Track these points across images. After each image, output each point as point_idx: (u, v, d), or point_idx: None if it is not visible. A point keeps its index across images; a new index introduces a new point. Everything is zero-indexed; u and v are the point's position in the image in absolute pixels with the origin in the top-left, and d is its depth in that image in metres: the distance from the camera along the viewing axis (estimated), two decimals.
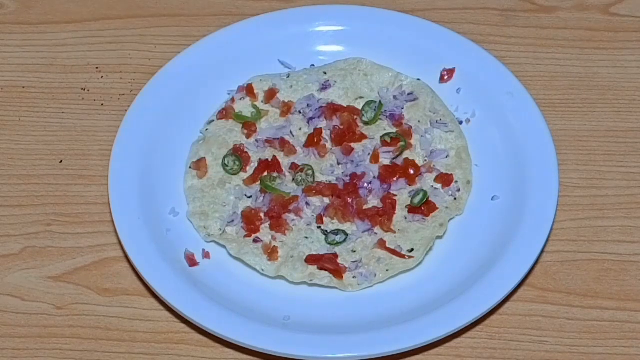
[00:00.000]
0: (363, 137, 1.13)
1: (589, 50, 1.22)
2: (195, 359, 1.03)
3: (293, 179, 1.11)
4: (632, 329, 1.04)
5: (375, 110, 1.14)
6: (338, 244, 1.08)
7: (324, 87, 1.16)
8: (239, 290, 1.05)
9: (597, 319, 1.05)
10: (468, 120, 1.15)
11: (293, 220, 1.09)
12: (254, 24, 1.19)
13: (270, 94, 1.16)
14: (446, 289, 1.04)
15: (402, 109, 1.15)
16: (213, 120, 1.15)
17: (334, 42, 1.20)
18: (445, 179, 1.11)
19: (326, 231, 1.08)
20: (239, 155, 1.12)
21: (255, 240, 1.08)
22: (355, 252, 1.07)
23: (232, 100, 1.16)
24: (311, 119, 1.14)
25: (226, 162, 1.12)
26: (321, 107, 1.15)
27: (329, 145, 1.13)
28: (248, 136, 1.14)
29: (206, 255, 1.08)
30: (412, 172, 1.11)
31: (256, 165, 1.12)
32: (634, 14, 1.24)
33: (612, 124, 1.16)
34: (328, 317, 1.04)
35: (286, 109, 1.15)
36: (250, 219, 1.08)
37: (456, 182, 1.11)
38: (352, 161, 1.11)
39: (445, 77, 1.17)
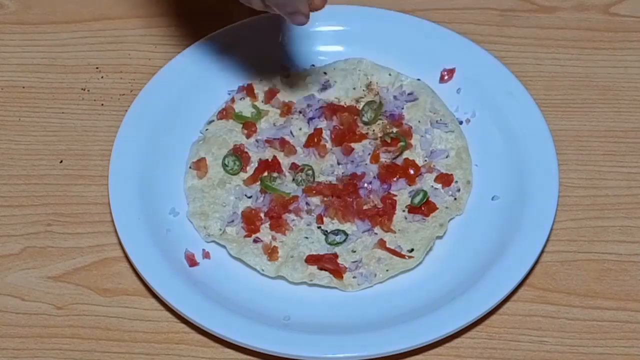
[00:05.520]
0: (363, 137, 1.13)
1: (589, 50, 1.22)
2: (195, 359, 1.03)
3: (293, 179, 1.11)
4: (632, 329, 1.04)
5: (375, 110, 1.14)
6: (338, 244, 1.08)
7: (324, 87, 1.16)
8: (239, 290, 1.05)
9: (597, 319, 1.05)
10: (468, 120, 1.15)
11: (293, 220, 1.09)
12: (254, 24, 1.19)
13: (270, 94, 1.16)
14: (446, 289, 1.04)
15: (402, 109, 1.15)
16: (213, 120, 1.15)
17: (334, 42, 1.20)
18: (445, 179, 1.11)
19: (326, 231, 1.08)
20: (239, 155, 1.12)
21: (255, 240, 1.08)
22: (355, 252, 1.07)
23: (232, 100, 1.16)
24: (311, 119, 1.14)
25: (226, 162, 1.12)
26: (321, 107, 1.15)
27: (329, 145, 1.13)
28: (248, 136, 1.14)
29: (206, 255, 1.08)
30: (412, 172, 1.11)
31: (256, 165, 1.12)
32: (634, 14, 1.24)
33: (612, 124, 1.16)
34: (328, 317, 1.04)
35: (286, 109, 1.15)
36: (250, 219, 1.08)
37: (456, 182, 1.11)
38: (352, 161, 1.11)
39: (445, 77, 1.17)
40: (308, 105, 1.15)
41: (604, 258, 1.08)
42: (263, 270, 1.06)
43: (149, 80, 1.16)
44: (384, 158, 1.12)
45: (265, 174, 1.11)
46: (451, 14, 1.25)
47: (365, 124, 1.14)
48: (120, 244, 1.07)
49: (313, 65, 1.18)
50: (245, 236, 1.08)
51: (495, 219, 1.08)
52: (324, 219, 1.09)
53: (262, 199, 1.10)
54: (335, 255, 1.06)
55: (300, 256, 1.06)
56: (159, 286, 1.03)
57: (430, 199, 1.09)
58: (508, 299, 1.05)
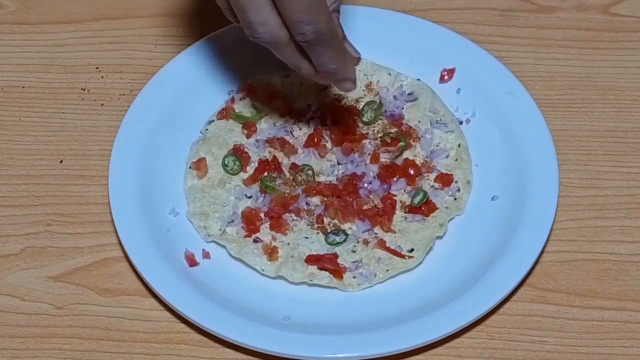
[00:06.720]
0: (363, 137, 1.13)
1: (589, 50, 1.22)
2: (195, 359, 1.03)
3: (293, 179, 1.11)
4: (632, 329, 1.04)
5: (375, 110, 1.14)
6: (338, 244, 1.07)
7: (324, 87, 1.16)
8: (239, 290, 1.05)
9: (597, 319, 1.05)
10: (468, 120, 1.15)
11: (293, 220, 1.09)
12: None
13: (271, 94, 1.16)
14: (446, 289, 1.04)
15: (402, 109, 1.15)
16: (213, 120, 1.15)
17: None
18: (445, 179, 1.11)
19: (326, 231, 1.08)
20: (239, 155, 1.12)
21: (255, 240, 1.08)
22: (355, 252, 1.07)
23: (232, 100, 1.16)
24: (311, 119, 1.14)
25: (226, 162, 1.12)
26: (321, 107, 1.15)
27: (329, 145, 1.13)
28: (248, 136, 1.14)
29: (206, 255, 1.08)
30: (412, 172, 1.11)
31: (256, 165, 1.12)
32: (634, 14, 1.24)
33: (612, 124, 1.16)
34: (328, 317, 1.04)
35: (286, 109, 1.15)
36: (250, 219, 1.08)
37: (456, 182, 1.11)
38: (352, 161, 1.11)
39: (445, 77, 1.17)
40: (308, 105, 1.15)
41: (604, 258, 1.08)
42: (263, 270, 1.06)
43: (149, 80, 1.16)
44: (384, 158, 1.12)
45: (265, 174, 1.11)
46: (451, 14, 1.25)
47: (365, 124, 1.14)
48: (120, 244, 1.07)
49: None
50: (245, 236, 1.08)
51: (495, 219, 1.08)
52: (324, 219, 1.09)
53: (262, 199, 1.10)
54: (335, 255, 1.06)
55: (300, 256, 1.06)
56: (159, 286, 1.03)
57: (430, 199, 1.09)
58: (508, 299, 1.05)
